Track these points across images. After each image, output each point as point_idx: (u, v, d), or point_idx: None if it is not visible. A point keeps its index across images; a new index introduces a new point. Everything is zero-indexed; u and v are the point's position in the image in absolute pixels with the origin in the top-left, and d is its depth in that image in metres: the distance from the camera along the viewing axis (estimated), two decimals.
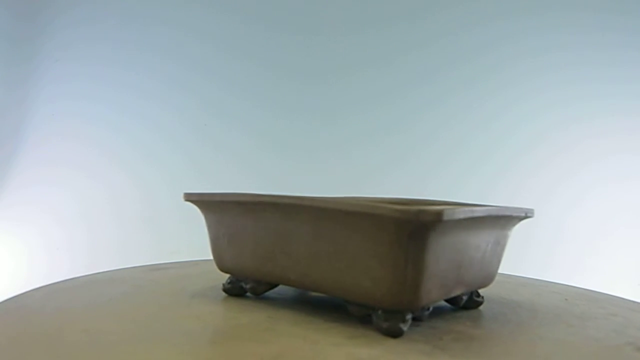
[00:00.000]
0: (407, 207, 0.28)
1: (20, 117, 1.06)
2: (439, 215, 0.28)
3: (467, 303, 0.40)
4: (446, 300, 0.39)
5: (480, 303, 0.41)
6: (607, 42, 0.99)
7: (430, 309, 0.35)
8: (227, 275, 0.42)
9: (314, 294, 0.43)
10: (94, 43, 1.07)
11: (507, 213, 0.37)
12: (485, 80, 1.02)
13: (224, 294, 0.42)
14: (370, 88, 1.05)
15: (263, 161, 1.05)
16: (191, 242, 0.90)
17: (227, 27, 1.07)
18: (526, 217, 0.39)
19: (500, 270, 0.41)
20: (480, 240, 0.36)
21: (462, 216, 0.30)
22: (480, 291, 0.41)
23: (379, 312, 0.32)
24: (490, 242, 0.37)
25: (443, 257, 0.32)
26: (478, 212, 0.32)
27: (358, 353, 0.28)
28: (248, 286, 0.41)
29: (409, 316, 0.32)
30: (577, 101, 0.99)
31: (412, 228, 0.29)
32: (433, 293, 0.32)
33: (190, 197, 0.40)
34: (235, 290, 0.42)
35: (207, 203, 0.40)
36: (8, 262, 1.03)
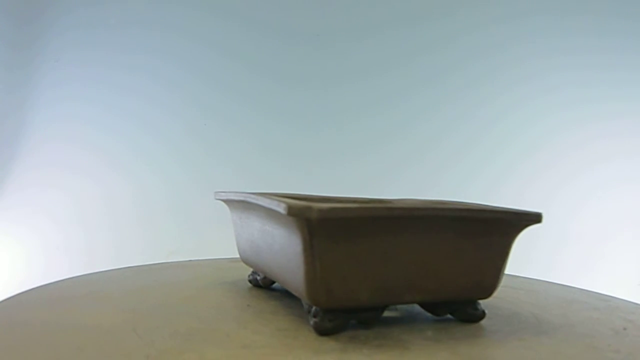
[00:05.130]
0: (297, 203, 0.29)
1: (20, 121, 1.06)
2: (323, 212, 0.28)
3: (457, 315, 0.36)
4: (427, 310, 0.36)
5: (478, 316, 0.36)
6: (613, 45, 1.00)
7: (381, 312, 0.33)
8: None
9: None
10: (93, 46, 1.08)
11: (479, 216, 0.32)
12: (489, 83, 1.03)
13: (250, 284, 0.47)
14: (374, 92, 1.04)
15: (261, 165, 1.05)
16: (188, 242, 0.97)
17: (227, 31, 1.07)
18: (523, 221, 0.34)
19: (509, 273, 0.36)
20: (445, 244, 0.33)
21: (365, 214, 0.29)
22: (535, 308, 0.36)
23: (313, 308, 0.33)
24: (470, 248, 0.33)
25: (368, 258, 0.31)
26: (398, 212, 0.30)
27: (258, 341, 0.30)
28: (259, 278, 0.45)
29: (338, 315, 0.32)
30: (581, 103, 1.00)
31: (310, 226, 0.29)
32: (363, 295, 0.31)
33: (216, 196, 0.47)
34: (254, 281, 0.46)
35: (226, 202, 0.46)
36: (6, 264, 1.04)
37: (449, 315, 0.36)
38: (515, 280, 0.55)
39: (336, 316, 0.32)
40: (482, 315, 0.36)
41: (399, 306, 0.40)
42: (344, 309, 0.32)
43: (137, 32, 1.10)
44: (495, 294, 0.36)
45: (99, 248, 1.05)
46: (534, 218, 0.34)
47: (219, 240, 0.97)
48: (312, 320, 0.32)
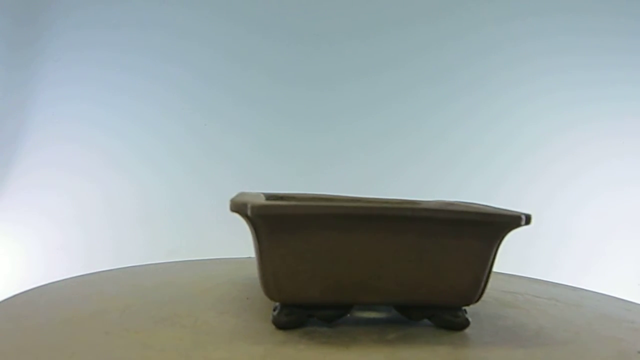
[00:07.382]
0: (238, 200, 0.29)
1: (20, 121, 1.07)
2: (256, 209, 0.28)
3: (435, 321, 0.35)
4: (402, 313, 0.36)
5: (458, 324, 0.35)
6: (613, 45, 1.01)
7: (344, 311, 0.33)
8: None
9: None
10: (93, 46, 1.09)
11: (440, 216, 0.31)
12: (489, 83, 1.04)
13: None
14: (374, 92, 1.05)
15: (260, 165, 1.05)
16: (188, 242, 0.97)
17: (227, 31, 1.08)
18: (500, 223, 0.33)
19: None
20: (405, 245, 0.31)
21: (300, 212, 0.29)
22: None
23: (277, 303, 0.33)
24: (436, 250, 0.32)
25: (315, 255, 0.30)
26: (341, 210, 0.30)
27: (215, 328, 0.31)
28: None
29: (294, 311, 0.32)
30: (581, 103, 1.01)
31: (253, 222, 0.29)
32: (314, 292, 0.31)
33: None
34: None
35: None
36: (6, 264, 1.04)
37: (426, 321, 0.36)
38: (566, 293, 0.49)
39: (292, 311, 0.32)
40: (465, 323, 0.35)
41: (390, 308, 0.39)
42: (297, 304, 0.32)
43: (137, 32, 1.10)
44: (508, 300, 0.34)
45: (99, 248, 1.06)
46: (514, 220, 0.31)
47: (219, 239, 0.99)
48: (271, 314, 0.33)
